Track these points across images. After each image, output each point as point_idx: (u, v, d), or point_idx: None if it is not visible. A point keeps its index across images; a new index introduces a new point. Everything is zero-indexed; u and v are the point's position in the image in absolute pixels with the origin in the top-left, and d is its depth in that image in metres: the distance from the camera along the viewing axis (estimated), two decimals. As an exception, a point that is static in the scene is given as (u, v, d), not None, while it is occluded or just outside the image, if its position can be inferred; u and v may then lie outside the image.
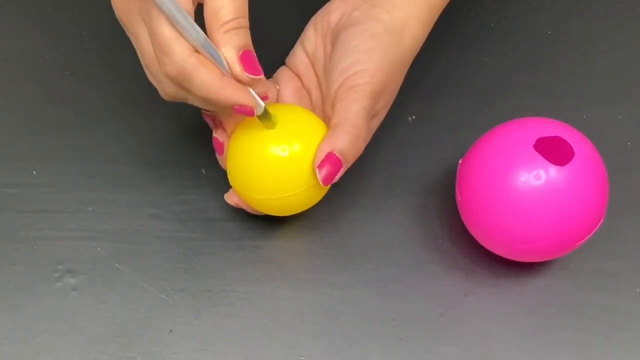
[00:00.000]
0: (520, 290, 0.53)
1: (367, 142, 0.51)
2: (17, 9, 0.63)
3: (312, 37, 0.53)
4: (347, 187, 0.55)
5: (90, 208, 0.55)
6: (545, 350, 0.52)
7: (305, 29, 0.54)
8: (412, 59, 0.52)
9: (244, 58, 0.46)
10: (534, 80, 0.61)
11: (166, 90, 0.48)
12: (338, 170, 0.48)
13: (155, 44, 0.45)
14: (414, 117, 0.59)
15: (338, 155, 0.48)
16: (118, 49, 0.60)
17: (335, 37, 0.52)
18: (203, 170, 0.57)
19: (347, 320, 0.52)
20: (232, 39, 0.45)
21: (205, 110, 0.50)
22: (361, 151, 0.50)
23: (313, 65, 0.53)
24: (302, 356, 0.50)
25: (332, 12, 0.53)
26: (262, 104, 0.47)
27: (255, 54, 0.46)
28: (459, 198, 0.52)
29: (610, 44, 0.63)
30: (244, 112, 0.46)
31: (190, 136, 0.58)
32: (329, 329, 0.51)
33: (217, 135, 0.51)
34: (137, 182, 0.56)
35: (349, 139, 0.48)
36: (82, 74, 0.60)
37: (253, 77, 0.46)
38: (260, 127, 0.48)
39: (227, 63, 0.45)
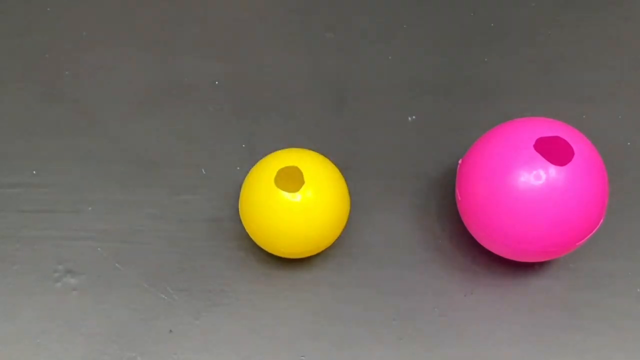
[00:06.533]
0: (520, 290, 0.53)
1: None
2: (16, 8, 0.63)
3: None
4: (348, 188, 0.55)
5: (90, 208, 0.55)
6: (546, 350, 0.52)
7: None
8: None
9: None
10: (533, 80, 0.61)
11: None
12: None
13: None
14: (414, 117, 0.59)
15: None
16: (118, 49, 0.61)
17: None
18: (203, 170, 0.57)
19: (347, 320, 0.52)
20: None
21: None
22: None
23: None
24: (302, 356, 0.51)
25: None
26: None
27: None
28: (459, 198, 0.52)
29: (610, 44, 0.63)
30: None
31: (191, 136, 0.58)
32: (329, 329, 0.51)
33: None
34: (137, 182, 0.56)
35: None
36: (82, 74, 0.60)
37: None
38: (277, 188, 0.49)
39: None
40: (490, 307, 0.53)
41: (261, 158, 0.55)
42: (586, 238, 0.49)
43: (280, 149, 0.55)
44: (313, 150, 0.55)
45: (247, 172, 0.55)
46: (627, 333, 0.52)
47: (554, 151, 0.49)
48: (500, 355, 0.51)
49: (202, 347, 0.51)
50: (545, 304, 0.53)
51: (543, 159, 0.47)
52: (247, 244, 0.53)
